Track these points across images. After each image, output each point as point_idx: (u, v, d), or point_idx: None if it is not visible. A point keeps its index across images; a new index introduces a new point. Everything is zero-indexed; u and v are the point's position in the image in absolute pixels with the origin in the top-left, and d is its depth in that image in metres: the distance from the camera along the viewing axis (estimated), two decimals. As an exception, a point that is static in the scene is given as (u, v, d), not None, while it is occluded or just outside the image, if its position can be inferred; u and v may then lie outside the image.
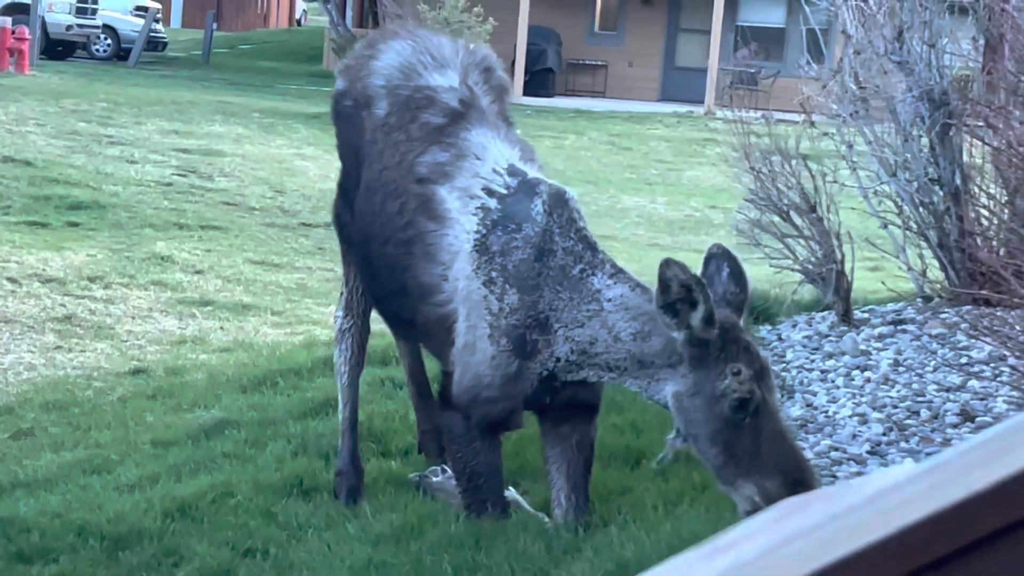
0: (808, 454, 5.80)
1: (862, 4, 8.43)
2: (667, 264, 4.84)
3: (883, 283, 8.68)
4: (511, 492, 5.56)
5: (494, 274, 5.28)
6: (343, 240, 6.35)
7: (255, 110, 25.66)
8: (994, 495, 1.15)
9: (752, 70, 34.49)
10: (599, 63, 37.97)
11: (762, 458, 4.80)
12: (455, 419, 5.38)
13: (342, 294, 6.43)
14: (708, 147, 23.95)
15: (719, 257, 5.20)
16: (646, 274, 11.97)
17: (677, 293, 4.85)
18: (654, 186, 21.51)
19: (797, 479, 4.75)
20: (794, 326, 8.29)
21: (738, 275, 5.15)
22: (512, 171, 5.51)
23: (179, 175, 17.80)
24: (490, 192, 5.44)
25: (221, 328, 10.15)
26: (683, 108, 32.70)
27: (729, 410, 4.81)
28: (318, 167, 18.39)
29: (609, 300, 5.17)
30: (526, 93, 34.08)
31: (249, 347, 9.38)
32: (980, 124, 8.01)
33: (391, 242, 5.65)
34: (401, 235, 5.60)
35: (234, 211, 15.93)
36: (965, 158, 8.35)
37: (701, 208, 19.03)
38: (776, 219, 8.23)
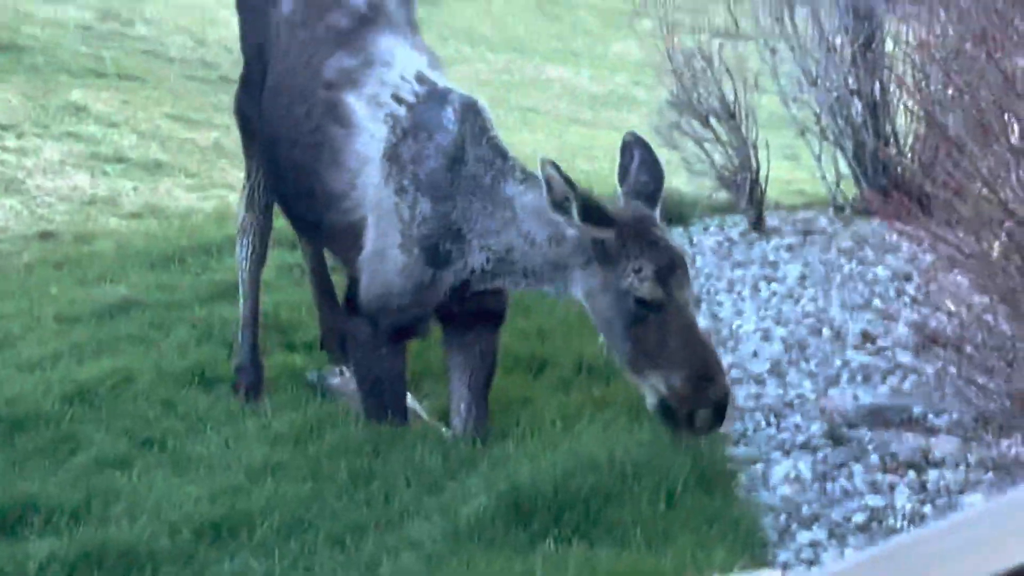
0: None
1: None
2: (543, 164, 4.83)
3: (788, 184, 8.71)
4: (411, 401, 5.58)
5: (406, 183, 5.24)
6: (246, 134, 6.24)
7: (180, -49, 25.11)
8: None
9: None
10: (533, -77, 37.52)
11: (669, 352, 4.85)
12: (361, 325, 5.36)
13: (244, 187, 6.34)
14: (636, 21, 23.76)
15: (633, 145, 5.17)
16: (565, 151, 11.96)
17: (561, 192, 4.85)
18: (579, 57, 21.36)
19: (703, 374, 4.83)
20: (705, 229, 8.33)
21: (650, 164, 5.12)
22: (421, 79, 5.45)
23: (99, 19, 17.45)
24: (399, 100, 5.38)
25: (134, 189, 10.03)
26: (615, -26, 32.44)
27: (634, 306, 4.85)
28: (242, 18, 18.08)
29: (522, 207, 5.15)
30: (458, -51, 33.65)
31: (160, 213, 9.28)
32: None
33: (298, 145, 5.57)
34: (308, 139, 5.52)
35: (154, 60, 15.65)
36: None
37: (625, 84, 18.94)
38: (695, 123, 8.24)
